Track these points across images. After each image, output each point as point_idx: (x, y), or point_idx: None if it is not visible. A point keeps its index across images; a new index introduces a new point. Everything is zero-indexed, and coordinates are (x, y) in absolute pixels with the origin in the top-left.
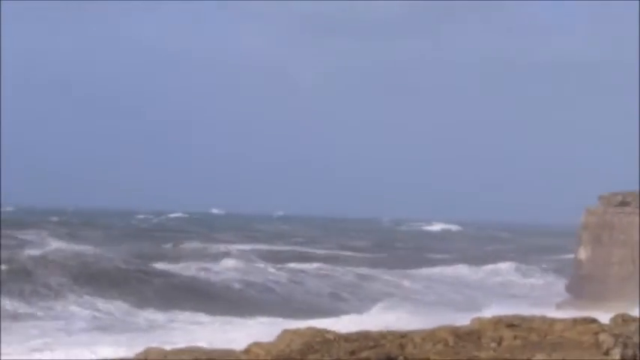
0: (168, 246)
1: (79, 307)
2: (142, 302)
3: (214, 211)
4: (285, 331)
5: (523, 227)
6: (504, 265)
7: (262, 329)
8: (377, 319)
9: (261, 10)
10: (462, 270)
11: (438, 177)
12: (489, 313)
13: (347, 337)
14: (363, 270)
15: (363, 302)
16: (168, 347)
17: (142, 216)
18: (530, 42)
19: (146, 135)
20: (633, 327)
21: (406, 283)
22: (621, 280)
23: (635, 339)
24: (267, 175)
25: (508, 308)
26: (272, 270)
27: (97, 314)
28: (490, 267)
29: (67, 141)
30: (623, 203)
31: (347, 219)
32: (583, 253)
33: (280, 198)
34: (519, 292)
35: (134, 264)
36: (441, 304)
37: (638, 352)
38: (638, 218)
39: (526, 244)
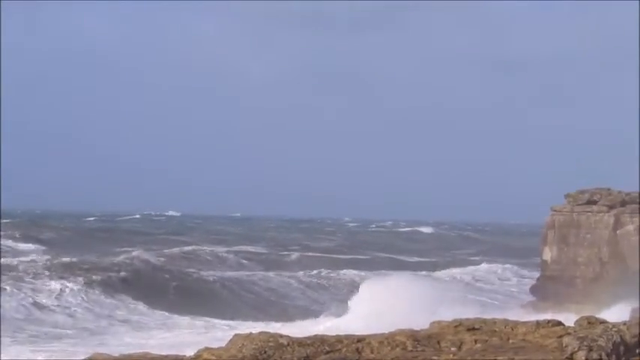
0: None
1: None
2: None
3: (171, 213)
4: (237, 336)
5: (496, 227)
6: (475, 267)
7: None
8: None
9: (221, 5)
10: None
11: (400, 179)
12: (451, 315)
13: (301, 342)
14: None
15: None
16: (116, 353)
17: (92, 218)
18: (500, 38)
19: (93, 138)
20: (599, 330)
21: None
22: (588, 281)
23: (601, 342)
24: (221, 178)
25: (472, 310)
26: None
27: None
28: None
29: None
30: (590, 202)
31: (307, 219)
32: (548, 254)
33: (235, 199)
34: (486, 295)
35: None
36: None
37: (603, 356)
38: (605, 217)
39: (499, 245)
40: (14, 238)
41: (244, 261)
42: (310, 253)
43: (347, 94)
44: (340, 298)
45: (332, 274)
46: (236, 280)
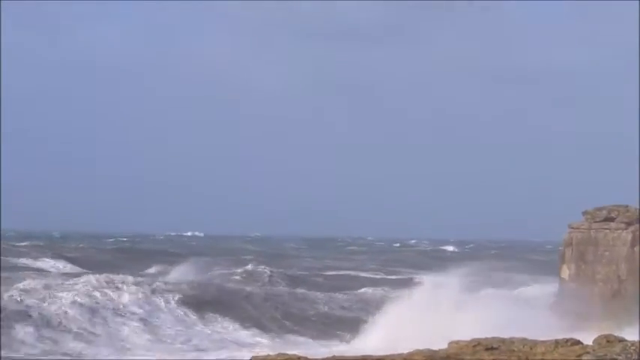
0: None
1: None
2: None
3: (195, 233)
4: (255, 358)
5: (519, 245)
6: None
7: None
8: None
9: (230, 12)
10: None
11: (415, 196)
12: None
13: None
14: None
15: None
16: None
17: (124, 238)
18: (514, 49)
19: (115, 159)
20: (618, 348)
21: None
22: (606, 298)
23: None
24: (232, 196)
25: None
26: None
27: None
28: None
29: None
30: (608, 219)
31: (327, 238)
32: (566, 271)
33: (249, 218)
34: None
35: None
36: None
37: None
38: (623, 234)
39: (535, 262)
40: (61, 258)
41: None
42: (365, 274)
43: (354, 106)
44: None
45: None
46: (302, 297)
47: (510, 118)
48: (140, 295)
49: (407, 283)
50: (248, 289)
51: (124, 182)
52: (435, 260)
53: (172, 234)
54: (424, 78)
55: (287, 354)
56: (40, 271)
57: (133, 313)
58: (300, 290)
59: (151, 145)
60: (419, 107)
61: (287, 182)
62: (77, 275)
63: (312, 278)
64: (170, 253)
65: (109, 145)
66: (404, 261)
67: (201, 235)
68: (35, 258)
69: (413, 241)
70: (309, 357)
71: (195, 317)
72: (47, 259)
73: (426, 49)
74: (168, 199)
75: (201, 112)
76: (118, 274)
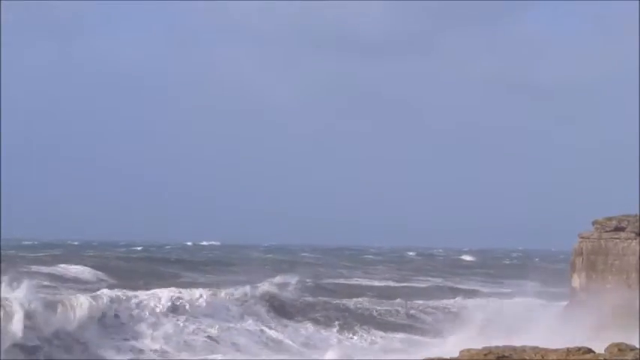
0: None
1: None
2: None
3: (211, 242)
4: None
5: (541, 255)
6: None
7: None
8: None
9: (241, 23)
10: None
11: (428, 205)
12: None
13: None
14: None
15: None
16: None
17: (139, 247)
18: (529, 60)
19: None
20: (630, 356)
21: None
22: (617, 307)
23: None
24: (247, 205)
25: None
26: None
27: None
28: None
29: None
30: (618, 228)
31: (343, 247)
32: (577, 280)
33: (261, 227)
34: None
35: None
36: None
37: None
38: (633, 243)
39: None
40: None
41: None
42: (406, 284)
43: (372, 117)
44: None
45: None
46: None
47: (530, 130)
48: (236, 303)
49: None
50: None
51: (129, 191)
52: (463, 269)
53: (189, 243)
54: (443, 88)
55: None
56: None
57: (239, 319)
58: (393, 300)
59: (159, 153)
60: (435, 117)
61: (291, 191)
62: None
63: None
64: (218, 262)
65: (113, 151)
66: (430, 271)
67: (218, 243)
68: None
69: (432, 250)
70: None
71: (294, 322)
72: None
73: (442, 61)
74: (174, 209)
75: (222, 123)
76: (191, 286)
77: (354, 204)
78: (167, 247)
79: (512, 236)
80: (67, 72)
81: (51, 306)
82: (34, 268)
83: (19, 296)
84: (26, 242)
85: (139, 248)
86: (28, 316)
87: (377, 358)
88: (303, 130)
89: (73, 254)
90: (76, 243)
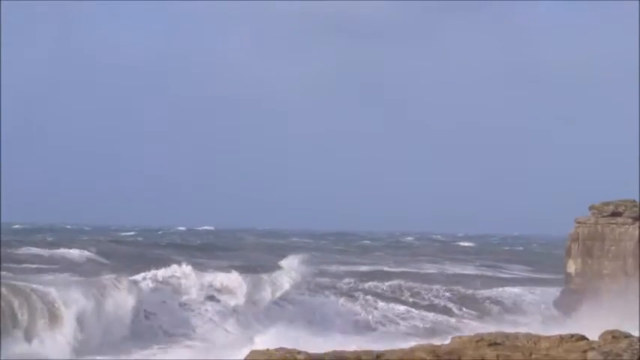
0: None
1: None
2: None
3: (206, 227)
4: (254, 352)
5: (541, 240)
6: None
7: None
8: None
9: (240, 11)
10: None
11: (427, 194)
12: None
13: (319, 358)
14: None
15: None
16: None
17: (131, 232)
18: (531, 47)
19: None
20: (624, 344)
21: None
22: (612, 294)
23: (626, 356)
24: (243, 190)
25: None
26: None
27: None
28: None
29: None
30: (615, 213)
31: (338, 232)
32: (572, 266)
33: (257, 213)
34: None
35: None
36: None
37: None
38: (630, 228)
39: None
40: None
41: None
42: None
43: (372, 107)
44: None
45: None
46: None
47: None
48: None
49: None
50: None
51: (124, 177)
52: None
53: (182, 228)
54: (445, 78)
55: (286, 348)
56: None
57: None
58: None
59: (155, 141)
60: (437, 106)
61: (288, 177)
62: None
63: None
64: (229, 247)
65: (108, 141)
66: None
67: (212, 228)
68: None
69: (413, 236)
70: (308, 352)
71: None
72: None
73: (444, 49)
74: (168, 196)
75: (220, 111)
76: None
77: (353, 194)
78: (159, 232)
79: (507, 223)
80: (67, 57)
81: None
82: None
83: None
84: (16, 226)
85: (131, 233)
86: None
87: None
88: (304, 121)
89: (89, 242)
90: (69, 227)
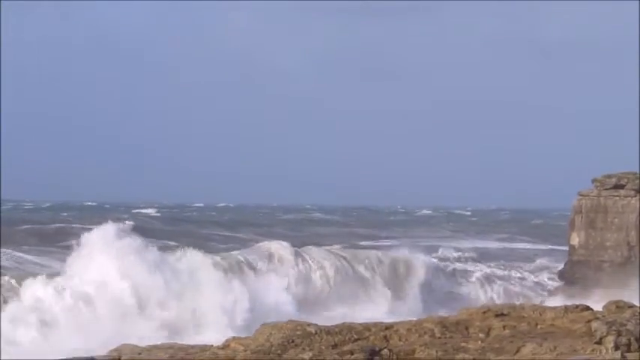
0: None
1: None
2: None
3: (227, 204)
4: (264, 325)
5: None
6: None
7: None
8: None
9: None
10: None
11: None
12: None
13: (329, 330)
14: None
15: None
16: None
17: (151, 210)
18: (527, 20)
19: (113, 128)
20: (628, 314)
21: None
22: (615, 265)
23: (630, 326)
24: (248, 167)
25: None
26: None
27: None
28: None
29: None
30: (618, 186)
31: (348, 207)
32: (576, 238)
33: (264, 188)
34: None
35: None
36: None
37: (632, 340)
38: (633, 201)
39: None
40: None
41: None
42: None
43: (373, 81)
44: None
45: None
46: None
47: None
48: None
49: None
50: None
51: (132, 153)
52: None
53: (200, 204)
54: (444, 52)
55: (297, 321)
56: None
57: None
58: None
59: (169, 119)
60: (445, 85)
61: (291, 153)
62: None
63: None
64: (273, 224)
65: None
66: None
67: (232, 205)
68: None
69: (427, 209)
70: (319, 324)
71: None
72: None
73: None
74: (175, 171)
75: (224, 92)
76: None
77: (354, 167)
78: (175, 209)
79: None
80: (67, 36)
81: None
82: None
83: None
84: (28, 205)
85: (152, 210)
86: None
87: None
88: (308, 94)
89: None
90: (93, 203)
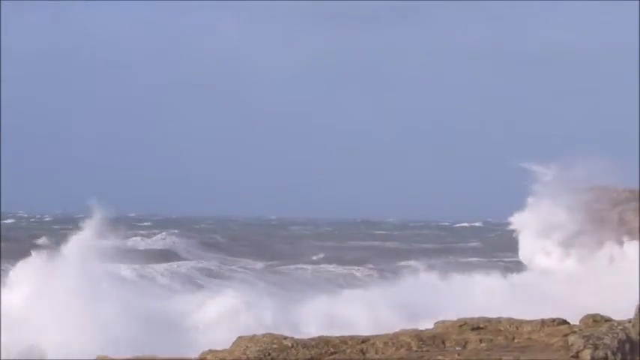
0: None
1: None
2: None
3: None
4: (241, 338)
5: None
6: None
7: None
8: None
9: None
10: None
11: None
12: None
13: (305, 344)
14: None
15: None
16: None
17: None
18: (521, 30)
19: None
20: (604, 328)
21: None
22: None
23: (607, 340)
24: (242, 180)
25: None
26: None
27: None
28: None
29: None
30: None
31: (343, 222)
32: None
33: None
34: None
35: None
36: None
37: (609, 354)
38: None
39: None
40: None
41: None
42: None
43: (362, 89)
44: None
45: None
46: None
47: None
48: None
49: None
50: None
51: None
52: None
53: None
54: (433, 62)
55: (273, 334)
56: None
57: None
58: None
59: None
60: (431, 95)
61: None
62: None
63: None
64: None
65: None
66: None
67: (273, 217)
68: None
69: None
70: (295, 338)
71: None
72: None
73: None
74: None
75: (205, 98)
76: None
77: (350, 178)
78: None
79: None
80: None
81: None
82: None
83: None
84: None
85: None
86: None
87: None
88: (295, 106)
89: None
90: (132, 214)
